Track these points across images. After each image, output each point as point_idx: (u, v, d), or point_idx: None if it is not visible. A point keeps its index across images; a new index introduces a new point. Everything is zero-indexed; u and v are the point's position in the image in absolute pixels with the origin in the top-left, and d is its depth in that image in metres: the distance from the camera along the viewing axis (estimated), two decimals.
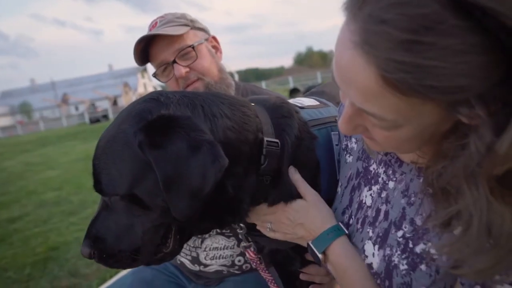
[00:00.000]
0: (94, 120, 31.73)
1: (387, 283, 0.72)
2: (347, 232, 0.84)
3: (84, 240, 0.85)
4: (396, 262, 0.71)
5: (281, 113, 0.97)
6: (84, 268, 3.59)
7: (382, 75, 0.51)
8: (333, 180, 1.01)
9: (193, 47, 1.33)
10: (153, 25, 1.35)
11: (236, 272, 1.32)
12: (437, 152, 0.64)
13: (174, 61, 1.32)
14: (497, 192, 0.53)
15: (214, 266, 1.32)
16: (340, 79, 0.60)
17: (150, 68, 1.51)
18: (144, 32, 1.37)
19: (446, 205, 0.62)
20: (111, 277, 2.97)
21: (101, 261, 0.85)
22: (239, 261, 1.30)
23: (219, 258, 1.30)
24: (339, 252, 0.82)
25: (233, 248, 1.28)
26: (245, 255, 1.27)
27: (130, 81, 73.23)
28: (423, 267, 0.67)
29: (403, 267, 0.70)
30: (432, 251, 0.66)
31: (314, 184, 0.97)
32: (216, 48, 1.47)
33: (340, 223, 0.86)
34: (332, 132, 1.05)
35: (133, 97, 65.25)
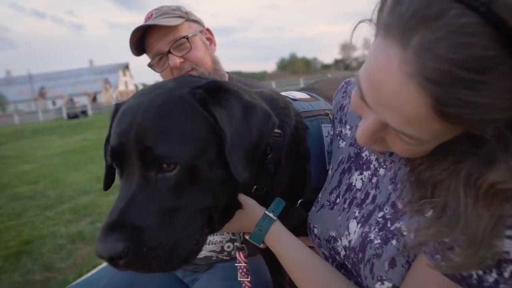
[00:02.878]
0: (72, 116, 30.70)
1: (360, 255, 0.78)
2: (275, 218, 0.90)
3: (110, 233, 0.66)
4: (372, 238, 0.77)
5: (279, 105, 1.01)
6: (59, 262, 3.51)
7: (436, 107, 0.53)
8: (322, 169, 1.06)
9: (187, 38, 1.36)
10: (149, 16, 1.37)
11: (225, 258, 1.33)
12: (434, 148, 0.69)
13: (169, 52, 1.35)
14: (486, 199, 0.58)
15: (203, 252, 1.33)
16: (377, 101, 0.61)
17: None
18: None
19: (424, 193, 0.69)
20: (87, 271, 2.91)
21: (134, 260, 0.66)
22: (228, 247, 1.32)
23: (209, 244, 1.32)
24: (271, 241, 0.90)
25: (223, 234, 1.29)
26: (234, 241, 1.30)
27: (111, 78, 71.98)
28: (394, 242, 0.73)
29: (377, 241, 0.75)
30: (403, 228, 0.72)
31: (304, 172, 1.02)
32: (210, 40, 1.50)
33: (266, 211, 0.91)
34: (323, 125, 1.10)
35: (113, 94, 64.12)
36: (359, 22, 0.69)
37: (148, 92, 0.79)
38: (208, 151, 0.73)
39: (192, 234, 0.74)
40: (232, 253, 1.33)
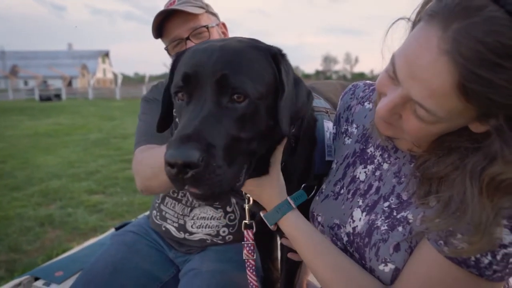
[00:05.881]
0: (45, 98, 29.26)
1: (366, 239, 0.85)
2: (294, 206, 0.97)
3: (185, 143, 0.68)
4: (378, 224, 0.85)
5: None
6: (26, 245, 3.41)
7: (461, 83, 0.62)
8: (321, 160, 1.13)
9: (207, 28, 1.39)
10: (171, 3, 1.40)
11: (219, 242, 1.38)
12: (436, 144, 0.77)
13: (188, 38, 1.38)
14: (489, 191, 0.66)
15: (199, 234, 1.38)
16: (408, 74, 0.69)
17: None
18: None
19: (429, 188, 0.78)
20: (57, 255, 2.83)
21: (203, 173, 0.68)
22: (224, 232, 1.37)
23: (205, 227, 1.36)
24: (288, 225, 0.95)
25: (220, 219, 1.34)
26: (230, 227, 1.35)
27: (90, 64, 69.92)
28: (400, 228, 0.81)
29: (383, 228, 0.83)
30: (410, 217, 0.80)
31: (309, 158, 1.09)
32: (225, 34, 1.54)
33: (288, 198, 0.97)
34: (324, 120, 1.17)
35: (90, 81, 62.32)
36: (398, 19, 0.78)
37: (216, 41, 0.87)
38: (269, 97, 0.82)
39: (239, 169, 0.80)
40: (227, 238, 1.38)
